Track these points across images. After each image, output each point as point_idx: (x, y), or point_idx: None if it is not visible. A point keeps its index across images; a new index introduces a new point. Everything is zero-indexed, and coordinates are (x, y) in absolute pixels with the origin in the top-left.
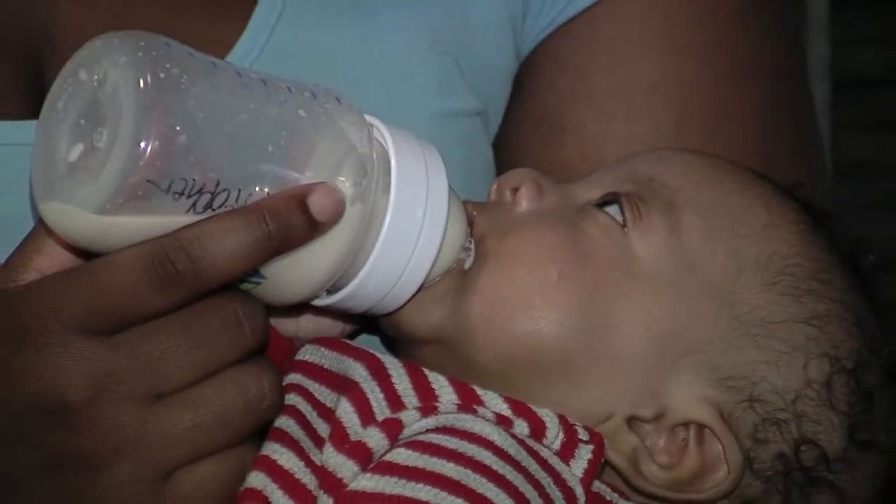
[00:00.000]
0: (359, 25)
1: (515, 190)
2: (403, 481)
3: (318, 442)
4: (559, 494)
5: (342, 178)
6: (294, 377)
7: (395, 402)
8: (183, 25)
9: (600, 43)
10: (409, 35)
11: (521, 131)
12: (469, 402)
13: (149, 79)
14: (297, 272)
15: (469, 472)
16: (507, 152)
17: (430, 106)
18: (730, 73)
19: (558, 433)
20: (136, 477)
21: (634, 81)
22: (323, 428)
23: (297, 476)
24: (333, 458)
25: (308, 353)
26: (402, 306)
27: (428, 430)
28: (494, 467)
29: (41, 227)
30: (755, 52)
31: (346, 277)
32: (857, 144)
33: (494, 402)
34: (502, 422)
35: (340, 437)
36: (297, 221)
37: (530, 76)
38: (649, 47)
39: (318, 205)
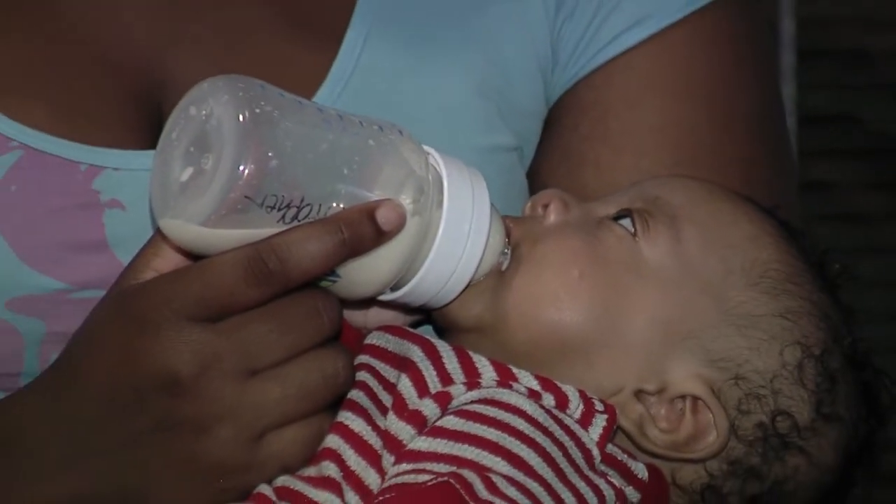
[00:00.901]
0: (423, 73)
1: (546, 206)
2: (452, 443)
3: (383, 410)
4: (579, 454)
5: (403, 196)
6: (363, 358)
7: (445, 378)
8: (275, 65)
9: (615, 92)
10: (461, 83)
11: (550, 163)
12: (506, 379)
13: (246, 114)
14: (366, 272)
15: (506, 435)
16: (538, 180)
17: (477, 142)
18: (723, 116)
19: (578, 404)
20: (235, 439)
21: (642, 124)
22: (386, 399)
23: (365, 438)
24: (395, 424)
25: (374, 338)
26: (451, 302)
27: (472, 402)
28: (527, 432)
29: (158, 234)
30: (745, 98)
31: (406, 277)
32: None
33: (526, 379)
34: (533, 395)
35: (401, 407)
36: (366, 231)
37: (557, 119)
38: (654, 95)
39: (383, 217)
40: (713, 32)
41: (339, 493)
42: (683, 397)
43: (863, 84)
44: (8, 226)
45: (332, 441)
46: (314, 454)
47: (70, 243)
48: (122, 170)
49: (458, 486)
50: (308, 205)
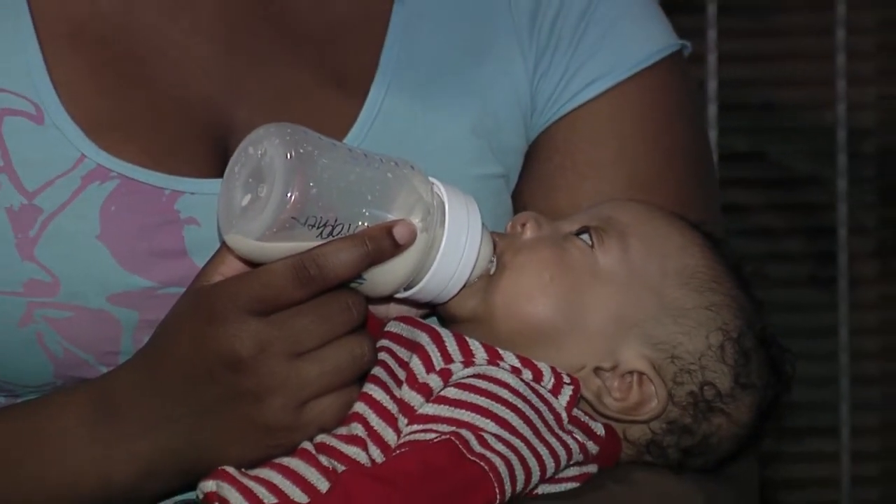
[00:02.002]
0: (430, 117)
1: (524, 224)
2: (452, 408)
3: (399, 383)
4: (551, 417)
5: (414, 217)
6: (383, 342)
7: (447, 358)
8: (314, 112)
9: (580, 134)
10: (460, 125)
11: (529, 189)
12: (494, 358)
13: (292, 153)
14: (385, 276)
15: (494, 402)
16: (519, 202)
17: (472, 172)
18: (665, 152)
19: (550, 378)
20: (284, 406)
21: (601, 158)
22: (401, 374)
23: (385, 405)
24: (408, 394)
25: (392, 326)
26: (451, 299)
27: (468, 376)
28: (510, 400)
29: (224, 246)
30: (682, 139)
31: (416, 280)
32: (735, 194)
33: (510, 358)
34: (515, 371)
35: (412, 380)
36: (386, 244)
37: (535, 153)
38: (611, 136)
39: (399, 233)
40: (657, 87)
41: (365, 447)
42: (632, 373)
43: (768, 129)
44: (109, 238)
45: (359, 407)
46: (345, 418)
47: (157, 251)
48: (197, 194)
49: (457, 442)
50: (340, 223)
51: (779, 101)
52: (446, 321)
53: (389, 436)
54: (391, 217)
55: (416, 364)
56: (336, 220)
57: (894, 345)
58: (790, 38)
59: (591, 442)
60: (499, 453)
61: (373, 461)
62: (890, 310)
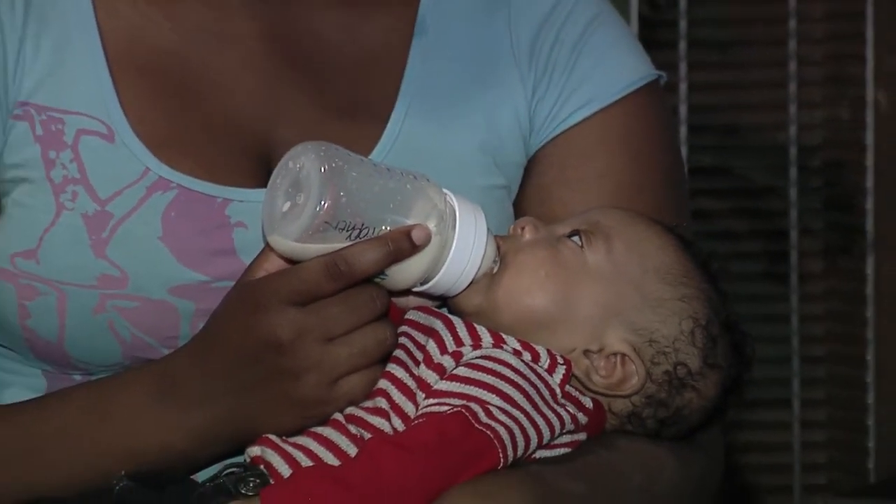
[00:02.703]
0: (443, 135)
1: (523, 228)
2: (462, 385)
3: (417, 363)
4: (547, 392)
5: (429, 222)
6: (403, 328)
7: (458, 342)
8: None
9: (572, 151)
10: (468, 142)
11: (528, 198)
12: (498, 342)
13: (326, 167)
14: (404, 273)
15: (498, 380)
16: (519, 209)
17: (478, 183)
18: (645, 166)
19: (546, 358)
20: (318, 383)
21: (590, 172)
22: (419, 356)
23: (405, 382)
24: (425, 372)
25: (411, 315)
26: (461, 292)
27: (476, 357)
28: (512, 377)
29: (267, 246)
30: (659, 155)
31: (431, 276)
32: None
33: (512, 342)
34: (516, 353)
35: (429, 361)
36: (405, 245)
37: (533, 167)
38: (598, 152)
39: (416, 236)
40: (638, 111)
41: (388, 418)
42: (615, 354)
43: (731, 147)
44: (170, 239)
45: (383, 384)
46: (371, 393)
47: (211, 251)
48: (245, 202)
49: (467, 413)
50: (366, 227)
51: (739, 123)
52: (457, 312)
53: (409, 408)
54: (410, 222)
55: (432, 347)
56: (363, 225)
57: (837, 330)
58: (749, 70)
59: (581, 414)
60: (502, 423)
61: (395, 430)
62: (834, 301)
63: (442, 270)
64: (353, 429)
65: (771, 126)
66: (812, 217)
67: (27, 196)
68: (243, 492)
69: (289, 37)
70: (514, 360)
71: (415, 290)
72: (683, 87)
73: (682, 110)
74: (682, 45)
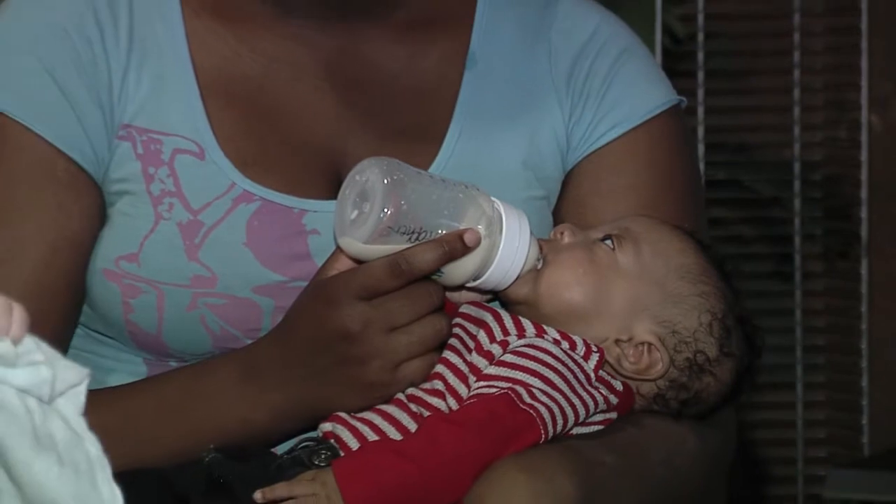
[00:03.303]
0: (491, 152)
1: (562, 233)
2: (509, 370)
3: (469, 351)
4: (582, 376)
5: (479, 226)
6: (457, 320)
7: (505, 332)
8: (405, 149)
9: (603, 167)
10: (513, 159)
11: (565, 207)
12: (540, 332)
13: (388, 179)
14: (458, 270)
15: (540, 365)
16: (557, 217)
17: (522, 194)
18: (668, 180)
19: (582, 347)
20: (382, 367)
21: (620, 185)
22: (471, 344)
23: (459, 367)
24: (476, 359)
25: (464, 308)
26: (508, 287)
27: (521, 345)
28: (552, 363)
29: (338, 249)
30: (680, 171)
31: (481, 273)
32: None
33: (552, 332)
34: (556, 342)
35: (479, 348)
36: (458, 246)
37: (569, 181)
38: (626, 168)
39: (468, 238)
40: (662, 131)
41: (444, 399)
42: (643, 343)
43: (742, 163)
44: (253, 244)
45: (440, 368)
46: (429, 376)
47: (289, 254)
48: (318, 212)
49: (512, 395)
50: (424, 231)
51: (749, 142)
52: (504, 305)
53: (462, 390)
54: (462, 226)
55: (482, 336)
56: (421, 229)
57: (835, 323)
58: (758, 96)
59: (612, 395)
60: (543, 403)
61: (450, 409)
62: (832, 297)
63: (491, 268)
64: (413, 407)
65: (777, 145)
66: (813, 224)
67: (129, 206)
68: (316, 463)
69: (354, 68)
70: (553, 348)
71: (467, 286)
72: (701, 111)
73: (700, 131)
74: (700, 75)
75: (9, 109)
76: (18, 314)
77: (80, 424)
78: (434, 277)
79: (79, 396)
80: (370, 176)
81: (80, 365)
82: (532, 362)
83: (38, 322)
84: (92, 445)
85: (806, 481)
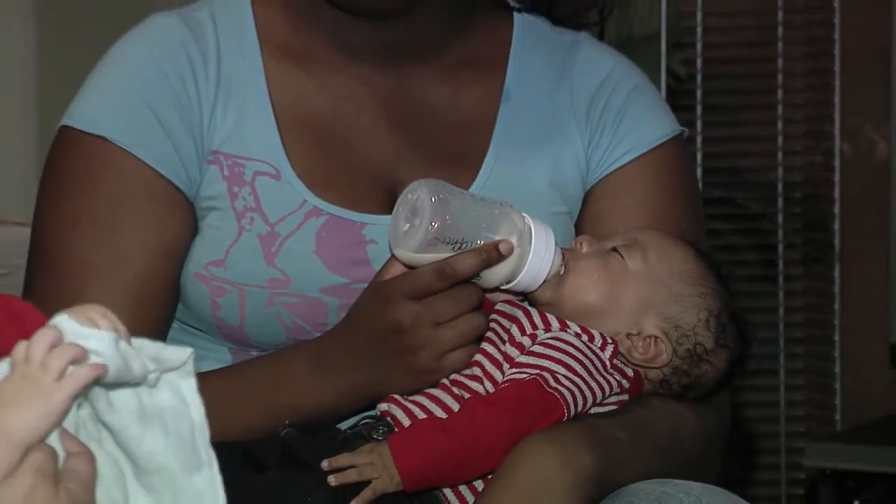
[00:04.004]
0: (522, 174)
1: (581, 243)
2: (537, 358)
3: (503, 342)
4: (599, 364)
5: (512, 238)
6: (493, 316)
7: (534, 326)
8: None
9: (618, 186)
10: (541, 180)
11: (584, 221)
12: (564, 327)
13: (435, 198)
14: (494, 275)
15: (563, 355)
16: (578, 229)
17: (549, 210)
18: (673, 197)
19: (599, 339)
20: (430, 357)
21: (631, 201)
22: (505, 336)
23: (494, 356)
24: (509, 349)
25: (499, 306)
26: (536, 290)
27: (547, 338)
28: (573, 353)
29: (392, 257)
30: (684, 190)
31: (513, 278)
32: (715, 224)
33: (574, 327)
34: (577, 335)
35: (512, 340)
36: (494, 254)
37: (588, 199)
38: (638, 187)
39: (503, 248)
40: (667, 157)
41: (482, 383)
42: (650, 337)
43: (735, 183)
44: (321, 252)
45: (478, 357)
46: (469, 364)
47: (351, 260)
48: (376, 224)
49: (540, 380)
50: (466, 242)
51: (740, 166)
52: (532, 304)
53: (498, 375)
54: (498, 237)
55: (514, 330)
56: (463, 240)
57: (813, 319)
58: (748, 127)
59: (624, 380)
60: (566, 387)
61: (487, 392)
62: (810, 297)
63: (521, 273)
64: (456, 391)
65: (763, 168)
66: (794, 235)
67: (217, 220)
68: (374, 437)
69: (407, 103)
70: (575, 340)
71: (502, 288)
72: (699, 140)
73: (699, 156)
74: (699, 109)
75: (116, 137)
76: (114, 316)
77: (189, 391)
78: (474, 281)
79: (187, 368)
80: (420, 195)
81: (178, 347)
82: (556, 352)
83: (141, 318)
84: (196, 412)
85: (788, 452)
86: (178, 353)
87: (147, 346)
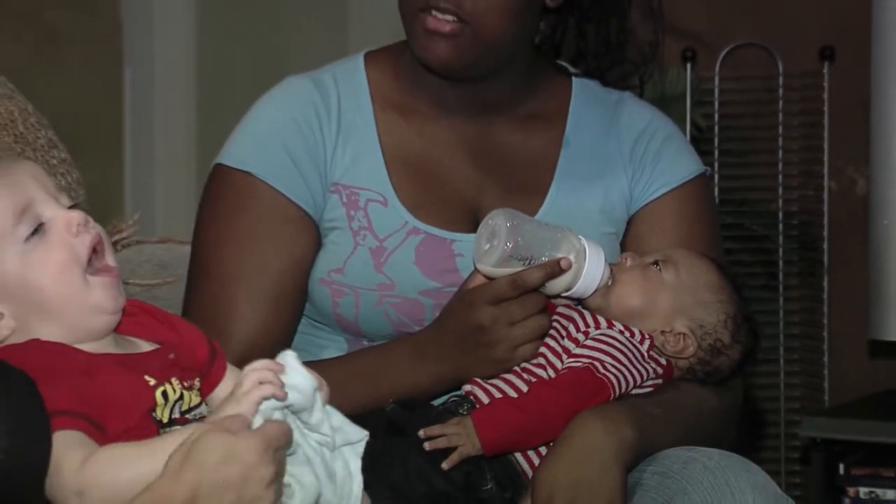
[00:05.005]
0: (578, 203)
1: (626, 258)
2: (589, 350)
3: (562, 338)
4: (639, 355)
5: (571, 256)
6: (555, 317)
7: (587, 325)
8: (519, 202)
9: (654, 214)
10: (594, 208)
11: (628, 241)
12: (610, 325)
13: (510, 223)
14: (556, 285)
15: (610, 347)
16: (623, 247)
17: (600, 231)
18: (700, 224)
19: (639, 335)
20: (505, 349)
21: (665, 227)
22: (564, 333)
23: (555, 348)
24: (567, 343)
25: (559, 309)
26: (589, 296)
27: (597, 334)
28: (618, 346)
29: (475, 270)
30: (708, 219)
31: (571, 287)
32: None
33: (618, 326)
34: (621, 332)
35: (569, 336)
36: (556, 269)
37: (631, 223)
38: (670, 215)
39: (563, 264)
40: (694, 191)
41: (545, 370)
42: (680, 334)
43: (744, 211)
44: (420, 263)
45: (543, 349)
46: (536, 355)
47: (443, 269)
48: (462, 241)
49: (592, 368)
50: (534, 258)
51: (749, 198)
52: (586, 307)
53: (558, 364)
54: (559, 255)
55: (571, 328)
56: (531, 257)
57: (806, 319)
58: (755, 168)
59: (658, 368)
60: (612, 373)
61: (550, 377)
62: (805, 302)
63: (578, 284)
64: (525, 376)
65: (767, 200)
66: (791, 254)
67: (337, 237)
68: (461, 412)
69: (486, 146)
70: (619, 336)
71: (562, 295)
72: (717, 177)
73: (715, 190)
74: (716, 153)
75: (258, 173)
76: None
77: (356, 468)
78: (539, 289)
79: (357, 448)
80: (497, 221)
81: (358, 427)
82: (605, 346)
83: (278, 314)
84: (357, 485)
85: (786, 424)
86: (356, 432)
87: (335, 415)
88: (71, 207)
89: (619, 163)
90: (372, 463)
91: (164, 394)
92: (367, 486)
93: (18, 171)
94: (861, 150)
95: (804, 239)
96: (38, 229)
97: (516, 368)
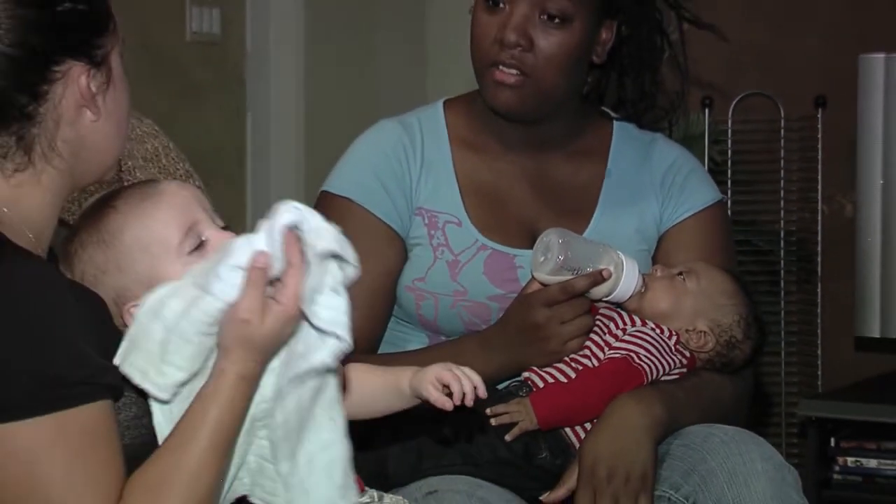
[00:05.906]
0: (617, 225)
1: (656, 270)
2: (626, 344)
3: (604, 334)
4: (667, 348)
5: (611, 267)
6: (597, 317)
7: (624, 323)
8: (569, 224)
9: (680, 234)
10: (630, 229)
11: (658, 255)
12: (644, 324)
13: (561, 240)
14: (599, 292)
15: (644, 342)
16: (654, 261)
17: (635, 248)
18: (716, 241)
19: (667, 332)
20: (557, 343)
21: (689, 245)
22: (605, 330)
23: (598, 342)
24: (608, 338)
25: (601, 310)
26: (626, 301)
27: (633, 331)
28: (651, 341)
29: (532, 278)
30: (725, 236)
31: (611, 293)
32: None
33: (650, 324)
34: (653, 329)
35: (610, 332)
36: (599, 278)
37: (661, 241)
38: (693, 235)
39: (605, 274)
40: (714, 215)
41: (590, 360)
42: (701, 331)
43: (753, 230)
44: (488, 273)
45: (588, 343)
46: (582, 348)
47: (506, 279)
48: (523, 256)
49: (628, 358)
50: (580, 269)
51: (756, 219)
52: (624, 310)
53: (601, 355)
54: (602, 267)
55: (612, 326)
56: (579, 268)
57: (803, 319)
58: (761, 194)
59: (683, 359)
60: (646, 363)
61: (594, 366)
62: (802, 305)
63: (617, 290)
64: (574, 365)
65: (771, 220)
66: (790, 265)
67: (420, 252)
68: (520, 394)
69: (543, 177)
70: (652, 332)
71: (604, 300)
72: (729, 203)
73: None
74: (729, 182)
75: (356, 198)
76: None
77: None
78: (585, 295)
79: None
80: (551, 238)
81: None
82: (639, 340)
83: (373, 314)
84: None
85: (786, 405)
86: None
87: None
88: (223, 228)
89: (651, 191)
90: (448, 436)
91: None
92: (444, 456)
93: (186, 193)
94: (849, 181)
95: (801, 253)
96: (200, 246)
97: (566, 359)
